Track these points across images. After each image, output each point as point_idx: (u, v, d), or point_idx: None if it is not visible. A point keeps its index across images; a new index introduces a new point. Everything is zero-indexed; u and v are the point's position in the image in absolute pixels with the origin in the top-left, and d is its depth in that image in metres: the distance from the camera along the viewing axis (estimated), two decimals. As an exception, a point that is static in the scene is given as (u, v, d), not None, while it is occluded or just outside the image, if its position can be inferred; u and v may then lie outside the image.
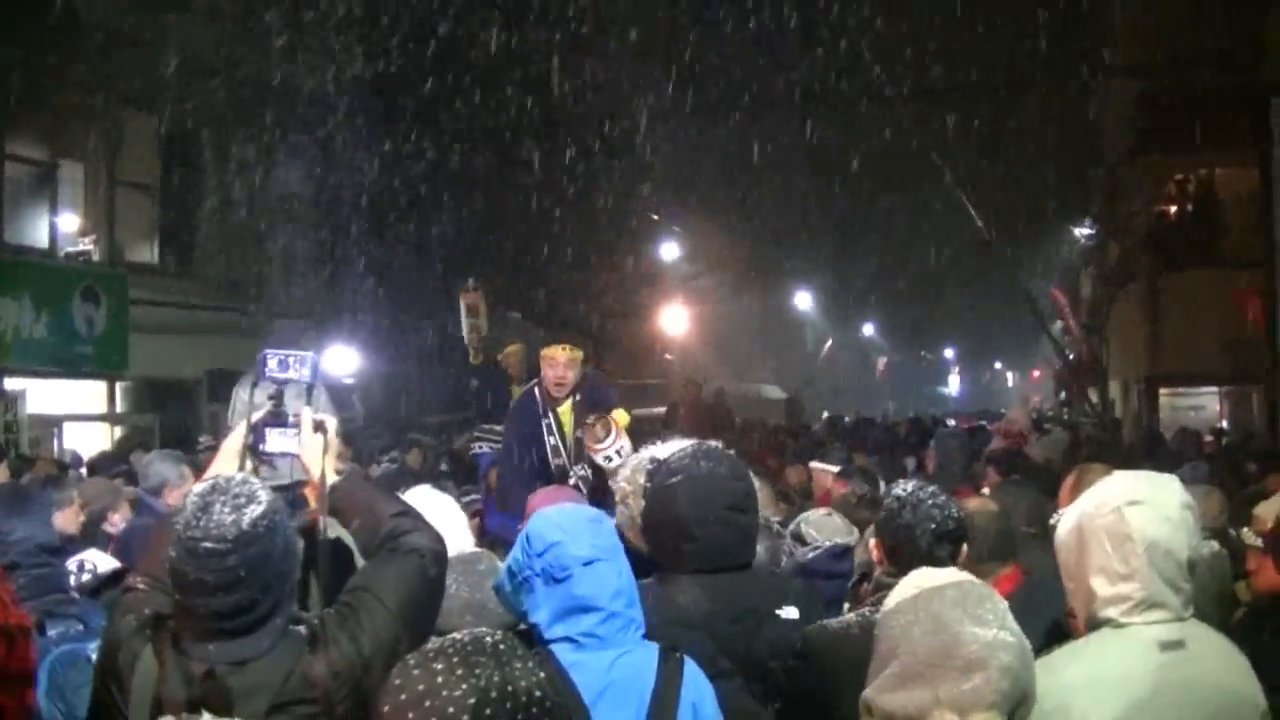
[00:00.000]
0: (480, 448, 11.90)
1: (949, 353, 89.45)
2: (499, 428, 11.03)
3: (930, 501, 4.07)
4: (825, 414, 33.96)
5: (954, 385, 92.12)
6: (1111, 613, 3.17)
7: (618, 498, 4.19)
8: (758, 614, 3.87)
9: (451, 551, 3.62)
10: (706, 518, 3.92)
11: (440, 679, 2.29)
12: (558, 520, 3.57)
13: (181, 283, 19.81)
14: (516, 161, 25.39)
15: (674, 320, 29.02)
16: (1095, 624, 3.22)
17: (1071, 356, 29.84)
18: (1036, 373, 64.82)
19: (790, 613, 3.93)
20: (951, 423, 22.68)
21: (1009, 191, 28.09)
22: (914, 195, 32.57)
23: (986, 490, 7.56)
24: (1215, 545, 5.12)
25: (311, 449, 3.52)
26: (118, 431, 18.14)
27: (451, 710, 2.27)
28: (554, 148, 26.17)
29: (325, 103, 21.61)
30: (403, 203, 23.22)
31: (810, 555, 5.18)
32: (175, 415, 19.10)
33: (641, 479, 4.07)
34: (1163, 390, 25.71)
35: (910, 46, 25.80)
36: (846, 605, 4.75)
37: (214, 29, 18.76)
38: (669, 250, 34.06)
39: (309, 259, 22.21)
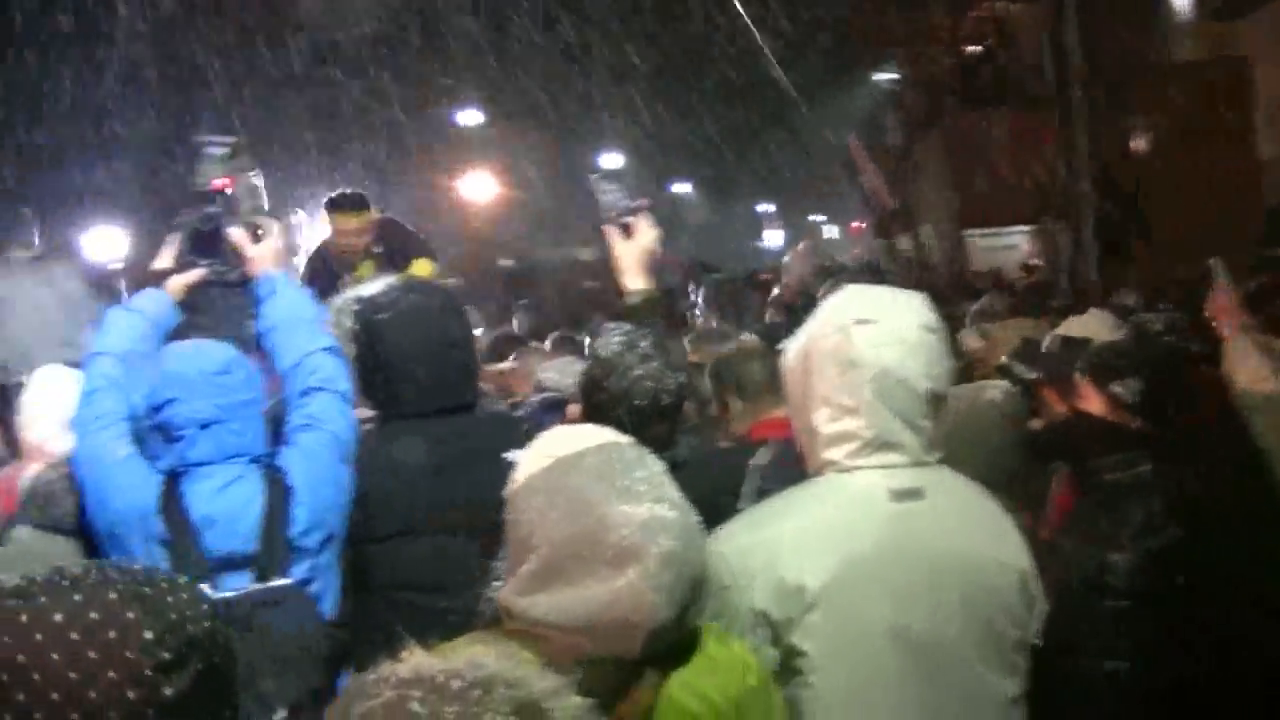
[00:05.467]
0: None
1: (769, 207, 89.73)
2: None
3: (639, 369, 3.43)
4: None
5: (773, 240, 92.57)
6: (835, 454, 2.67)
7: None
8: (478, 455, 3.46)
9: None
10: (420, 354, 3.59)
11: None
12: (179, 371, 3.28)
13: None
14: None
15: (478, 187, 28.03)
16: (818, 467, 2.73)
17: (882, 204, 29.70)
18: (855, 224, 65.30)
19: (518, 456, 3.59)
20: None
21: (812, 41, 27.78)
22: (719, 50, 32.08)
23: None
24: (1006, 385, 4.45)
25: None
26: None
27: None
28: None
29: None
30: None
31: (524, 408, 4.85)
32: None
33: (349, 321, 3.65)
34: (973, 231, 25.78)
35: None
36: None
37: None
38: (470, 116, 32.99)
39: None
